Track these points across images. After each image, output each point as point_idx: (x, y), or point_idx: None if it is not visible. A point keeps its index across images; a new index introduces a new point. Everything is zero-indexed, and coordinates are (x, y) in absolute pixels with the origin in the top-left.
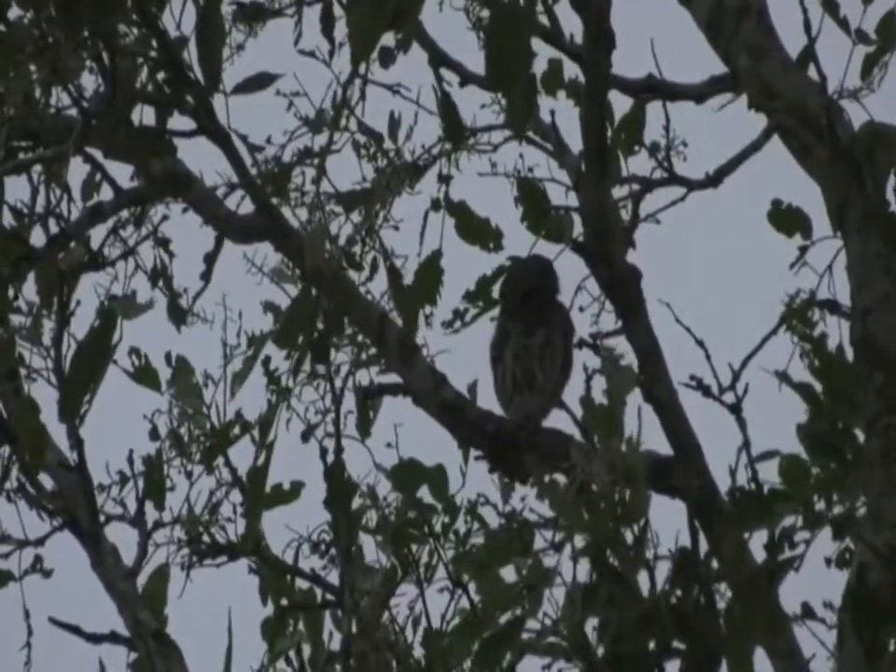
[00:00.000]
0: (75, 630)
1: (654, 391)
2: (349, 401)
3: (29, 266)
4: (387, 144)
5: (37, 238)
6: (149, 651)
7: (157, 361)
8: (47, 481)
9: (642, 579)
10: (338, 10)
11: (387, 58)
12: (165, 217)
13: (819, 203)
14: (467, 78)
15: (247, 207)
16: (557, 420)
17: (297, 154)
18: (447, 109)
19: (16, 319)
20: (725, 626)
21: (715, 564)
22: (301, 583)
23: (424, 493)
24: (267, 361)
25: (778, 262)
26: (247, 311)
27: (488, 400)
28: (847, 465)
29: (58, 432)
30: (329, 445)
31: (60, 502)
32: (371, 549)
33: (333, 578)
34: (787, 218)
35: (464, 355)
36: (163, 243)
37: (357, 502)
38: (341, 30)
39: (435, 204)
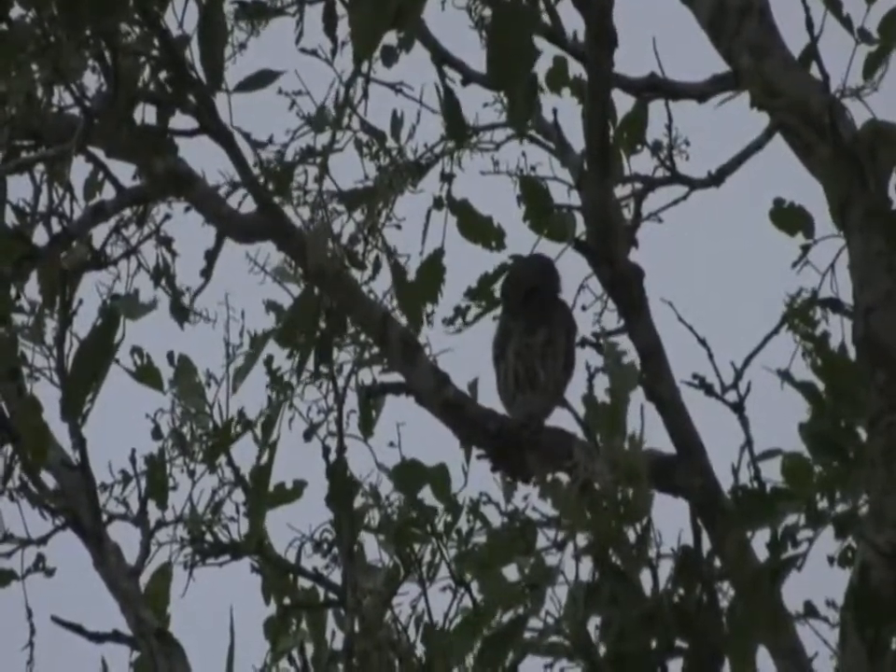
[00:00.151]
0: (77, 629)
1: (657, 390)
2: (352, 400)
3: (31, 265)
4: (390, 142)
5: (40, 237)
6: (152, 651)
7: (159, 360)
8: (49, 480)
9: (645, 578)
10: (340, 9)
11: (390, 56)
12: (168, 216)
13: (822, 201)
14: (469, 77)
15: (250, 206)
16: (560, 419)
17: (299, 153)
18: (450, 107)
19: (18, 318)
20: (728, 625)
21: (717, 562)
22: (304, 582)
23: (426, 492)
24: (269, 360)
25: (781, 261)
26: (250, 310)
27: (490, 399)
28: (849, 463)
29: (60, 431)
30: (331, 444)
31: (62, 501)
32: (373, 548)
33: (336, 577)
34: (789, 217)
35: (466, 354)
36: (166, 242)
37: (359, 501)
38: (343, 28)
39: (437, 203)
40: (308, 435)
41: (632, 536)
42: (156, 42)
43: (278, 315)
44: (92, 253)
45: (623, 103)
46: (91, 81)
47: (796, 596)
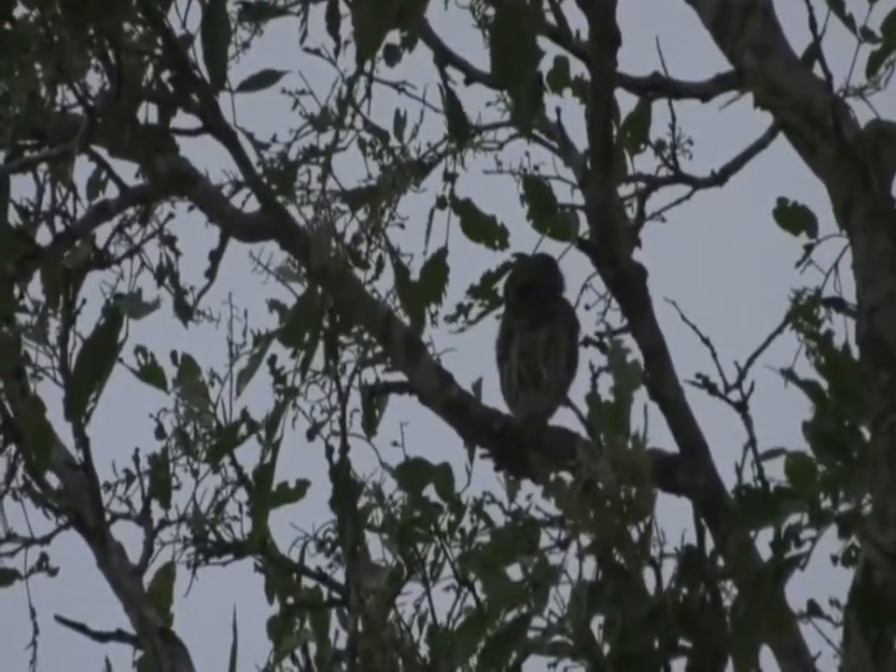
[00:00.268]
0: (81, 628)
1: (660, 389)
2: (355, 400)
3: (35, 264)
4: (393, 142)
5: (43, 236)
6: (155, 650)
7: (163, 360)
8: (53, 479)
9: (648, 577)
10: (343, 8)
11: (393, 56)
12: (171, 216)
13: (825, 201)
14: (472, 76)
15: (253, 205)
16: (563, 418)
17: (302, 152)
18: (453, 107)
19: (22, 318)
20: (731, 624)
21: (721, 562)
22: (307, 582)
23: (430, 491)
24: (273, 360)
25: (784, 260)
26: (253, 309)
27: (494, 398)
28: (852, 463)
29: (64, 431)
30: (334, 444)
31: (66, 500)
32: (376, 547)
33: (339, 576)
34: (793, 216)
35: (470, 353)
36: (169, 241)
37: (362, 501)
38: (346, 28)
39: (441, 202)
40: (311, 434)
41: (635, 535)
42: (159, 41)
43: (282, 315)
44: (96, 252)
45: (626, 102)
46: (95, 80)
47: (799, 596)
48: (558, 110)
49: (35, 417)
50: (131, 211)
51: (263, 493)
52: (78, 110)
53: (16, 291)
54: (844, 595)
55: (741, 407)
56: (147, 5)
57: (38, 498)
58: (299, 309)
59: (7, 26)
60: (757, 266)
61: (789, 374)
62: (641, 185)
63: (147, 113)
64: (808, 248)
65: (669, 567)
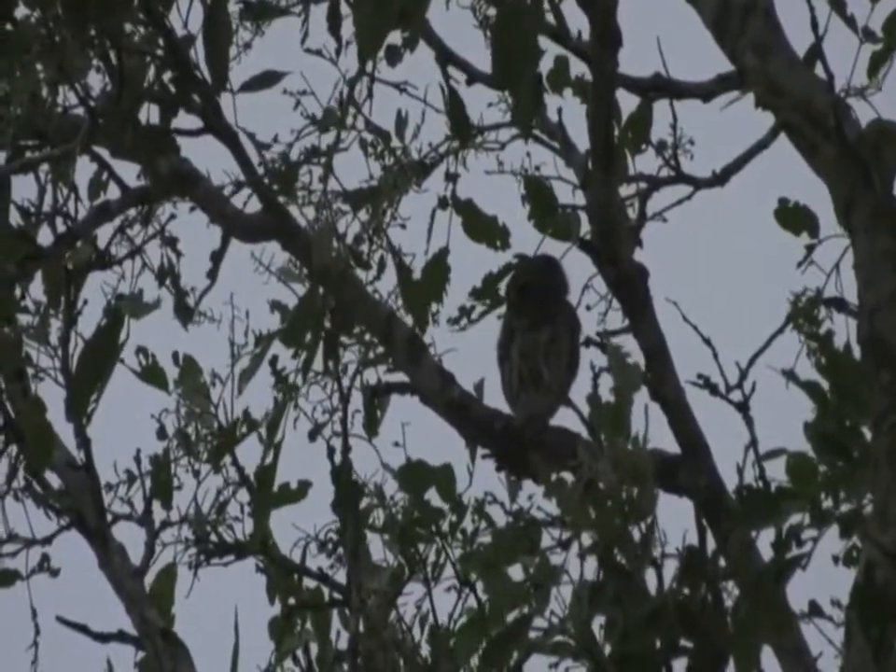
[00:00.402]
0: (82, 629)
1: (661, 389)
2: (356, 400)
3: (36, 265)
4: (394, 142)
5: (44, 237)
6: (157, 650)
7: (164, 360)
8: (54, 480)
9: (649, 577)
10: (345, 9)
11: (394, 56)
12: (172, 216)
13: (827, 201)
14: (473, 77)
15: (255, 206)
16: (564, 418)
17: (304, 153)
18: (455, 106)
19: (23, 318)
20: (732, 624)
21: (722, 562)
22: (309, 582)
23: (431, 492)
24: (274, 360)
25: (785, 260)
26: (255, 310)
27: (495, 399)
28: (854, 463)
29: (65, 431)
30: (336, 444)
31: (67, 501)
32: (378, 548)
33: (341, 577)
34: (794, 217)
35: (471, 353)
36: (170, 241)
37: (364, 501)
38: (347, 28)
39: (442, 203)
40: (313, 435)
41: (636, 535)
42: (161, 42)
43: (283, 315)
44: (97, 253)
45: (627, 102)
46: (96, 81)
47: (801, 596)
48: (559, 110)
49: (37, 418)
50: (132, 212)
51: (265, 494)
52: (80, 111)
53: (17, 292)
54: (845, 595)
55: (742, 407)
56: (149, 5)
57: (40, 499)
58: (300, 309)
59: (9, 27)
60: (758, 266)
61: (790, 375)
62: (642, 185)
63: (149, 114)
64: (810, 248)
65: (671, 568)
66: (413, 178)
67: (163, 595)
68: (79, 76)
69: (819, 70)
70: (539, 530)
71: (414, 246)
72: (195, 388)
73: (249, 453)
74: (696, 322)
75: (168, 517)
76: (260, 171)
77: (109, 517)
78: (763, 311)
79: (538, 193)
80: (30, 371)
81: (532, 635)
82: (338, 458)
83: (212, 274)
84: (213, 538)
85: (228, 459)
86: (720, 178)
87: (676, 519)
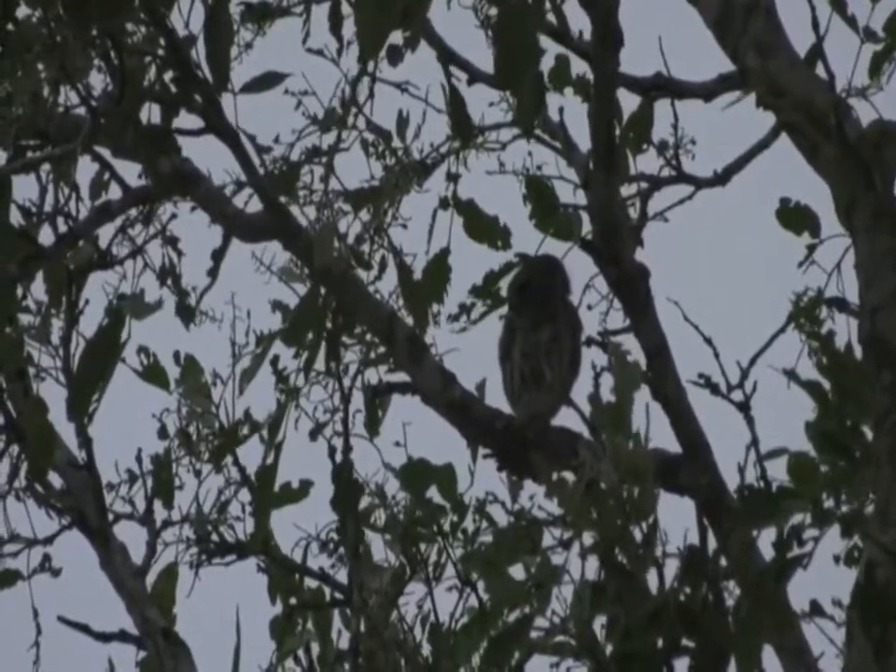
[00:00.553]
0: (83, 629)
1: (663, 389)
2: (358, 400)
3: (38, 265)
4: (396, 142)
5: (46, 237)
6: (158, 650)
7: (165, 360)
8: (55, 479)
9: (651, 577)
10: (346, 9)
11: (395, 56)
12: (174, 216)
13: (828, 201)
14: (475, 76)
15: (256, 206)
16: (566, 418)
17: (305, 153)
18: (456, 106)
19: (25, 318)
20: (734, 624)
21: (723, 561)
22: (310, 582)
23: (432, 492)
24: (275, 360)
25: (787, 260)
26: (256, 310)
27: (497, 399)
28: (855, 462)
29: (67, 431)
30: (337, 444)
31: (68, 501)
32: (379, 548)
33: (342, 576)
34: (795, 216)
35: (472, 353)
36: (172, 241)
37: (365, 501)
38: (349, 28)
39: (443, 203)
40: (314, 435)
41: (638, 535)
42: (162, 42)
43: (284, 315)
44: (98, 253)
45: (628, 102)
46: (97, 81)
47: (802, 595)
48: (561, 110)
49: (38, 418)
50: (133, 211)
51: (265, 493)
52: (81, 111)
53: (19, 292)
54: (846, 594)
55: (743, 407)
56: (150, 5)
57: (41, 499)
58: (301, 309)
59: (10, 27)
60: (759, 266)
61: (791, 374)
62: (644, 185)
63: (150, 113)
64: (811, 248)
65: (672, 567)
66: (414, 178)
67: (165, 594)
68: (81, 75)
69: (820, 70)
70: (541, 530)
71: (416, 246)
72: (196, 388)
73: (251, 452)
74: (697, 322)
75: (169, 517)
76: (262, 171)
77: (111, 517)
78: (765, 310)
79: (539, 193)
80: (31, 370)
81: (533, 634)
82: (339, 458)
83: (213, 273)
84: (214, 537)
85: (229, 459)
86: (721, 178)
87: (677, 518)
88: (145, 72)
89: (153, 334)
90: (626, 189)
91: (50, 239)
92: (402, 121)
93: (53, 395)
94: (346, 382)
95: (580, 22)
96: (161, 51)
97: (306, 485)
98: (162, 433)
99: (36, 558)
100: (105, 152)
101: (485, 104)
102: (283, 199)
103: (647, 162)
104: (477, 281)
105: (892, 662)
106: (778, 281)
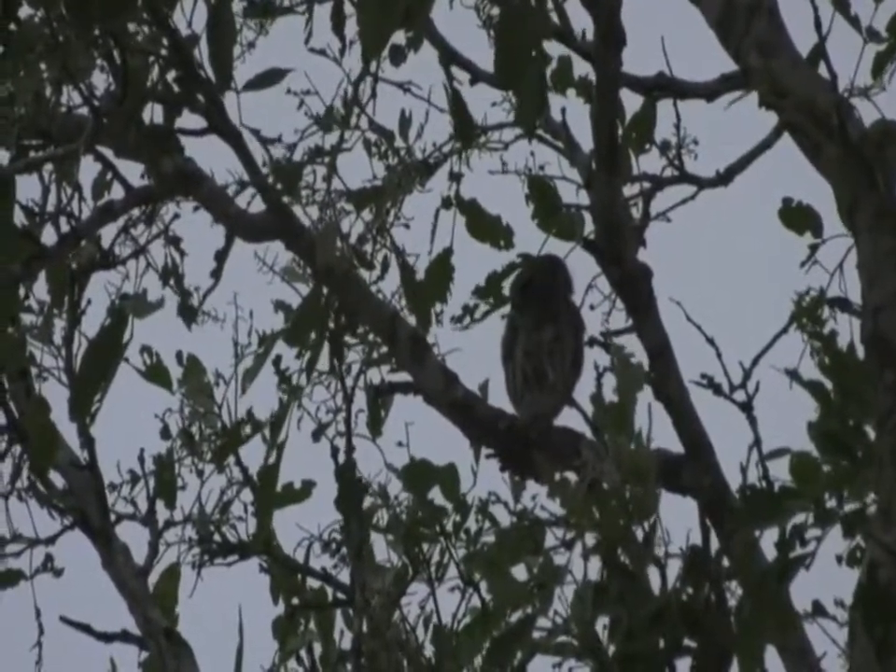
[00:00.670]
0: (86, 629)
1: (665, 389)
2: (360, 400)
3: (40, 265)
4: (398, 142)
5: (48, 237)
6: (160, 650)
7: (168, 360)
8: (58, 479)
9: (653, 577)
10: (349, 8)
11: (398, 56)
12: (176, 216)
13: (830, 201)
14: (477, 76)
15: (258, 206)
16: (568, 418)
17: (308, 152)
18: (458, 107)
19: (27, 318)
20: (736, 624)
21: (726, 562)
22: (312, 582)
23: (435, 492)
24: (278, 360)
25: (789, 260)
26: (258, 310)
27: (499, 399)
28: (857, 462)
29: (69, 431)
30: (340, 444)
31: (71, 501)
32: (381, 548)
33: (344, 577)
34: (798, 216)
35: (475, 353)
36: (174, 241)
37: (368, 501)
38: (351, 28)
39: (446, 202)
40: (317, 435)
41: (640, 535)
42: (165, 41)
43: (287, 315)
44: (101, 253)
45: (631, 102)
46: (100, 81)
47: (804, 595)
48: (563, 110)
49: (40, 418)
50: (136, 211)
51: (268, 493)
52: (84, 110)
53: (21, 291)
54: (849, 594)
55: (746, 407)
56: (153, 5)
57: (43, 499)
58: (304, 309)
59: (13, 26)
60: (762, 266)
61: (793, 374)
62: (646, 185)
63: (153, 113)
64: (813, 248)
65: (674, 567)
66: (416, 178)
67: (167, 594)
68: (83, 75)
69: (822, 70)
70: (543, 530)
71: (418, 246)
72: (199, 388)
73: (253, 453)
74: (700, 322)
75: (171, 517)
76: (264, 171)
77: (113, 517)
78: (767, 310)
79: (541, 193)
80: (34, 370)
81: (536, 635)
82: (341, 458)
83: (216, 273)
84: (216, 537)
85: (231, 459)
86: (723, 178)
87: (679, 519)
88: (147, 72)
89: (155, 334)
90: (629, 189)
91: (53, 239)
92: (405, 121)
93: (55, 395)
94: (349, 382)
95: (582, 22)
96: (163, 51)
97: (308, 486)
98: (165, 433)
99: (39, 558)
100: (108, 152)
101: (488, 104)
102: (285, 199)
103: (649, 162)
104: (480, 281)
105: (894, 662)
106: (781, 281)
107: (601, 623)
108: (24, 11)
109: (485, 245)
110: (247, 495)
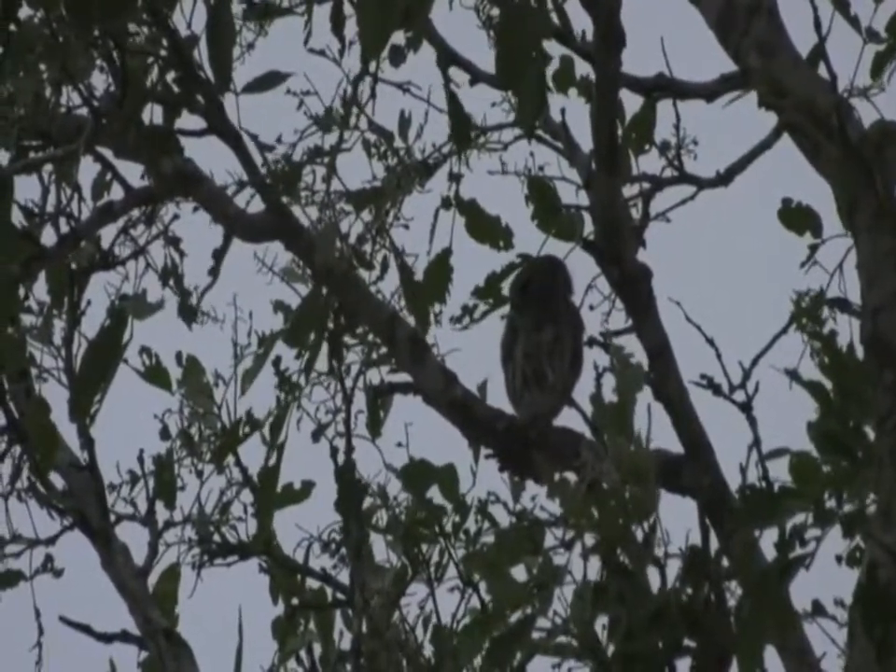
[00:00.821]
0: (85, 629)
1: (665, 389)
2: (360, 401)
3: (40, 265)
4: (398, 142)
5: (48, 237)
6: (160, 651)
7: (167, 361)
8: (57, 480)
9: (652, 577)
10: (348, 9)
11: (397, 56)
12: (176, 217)
13: (830, 201)
14: (477, 77)
15: (257, 206)
16: (568, 418)
17: (307, 153)
18: (455, 110)
19: (27, 319)
20: (736, 624)
21: (725, 562)
22: (312, 583)
23: (434, 492)
24: (277, 361)
25: (789, 261)
26: (258, 310)
27: (499, 399)
28: (857, 463)
29: (69, 431)
30: (339, 445)
31: (70, 501)
32: (381, 548)
33: (344, 577)
34: (797, 217)
35: (474, 353)
36: (174, 242)
37: (367, 502)
38: (351, 28)
39: (445, 203)
40: (316, 435)
41: (640, 535)
42: (164, 42)
43: (286, 316)
44: (101, 253)
45: (631, 102)
46: (100, 81)
47: (804, 595)
48: (563, 111)
49: (40, 418)
50: (135, 212)
51: (268, 494)
52: (83, 111)
53: (21, 292)
54: (848, 594)
55: (746, 407)
56: (153, 6)
57: (43, 499)
58: (303, 310)
59: (13, 27)
60: (762, 266)
61: (793, 375)
62: (646, 185)
63: (152, 114)
64: (813, 249)
65: (674, 567)
66: (416, 179)
67: (167, 595)
68: (83, 76)
69: (822, 70)
70: (543, 530)
71: (417, 247)
72: (198, 389)
73: (252, 453)
74: (699, 322)
75: (171, 517)
76: (264, 171)
77: (112, 517)
78: (767, 311)
79: (541, 193)
80: (33, 371)
81: (535, 635)
82: (341, 459)
83: (214, 272)
84: (216, 538)
85: (231, 460)
86: (723, 178)
87: (679, 519)
88: (147, 72)
89: (155, 335)
90: (628, 190)
91: (52, 239)
92: (404, 122)
93: (55, 395)
94: (348, 382)
95: (582, 22)
96: (163, 52)
97: (308, 486)
98: (164, 434)
99: (38, 559)
100: (108, 153)
101: (487, 104)
102: (285, 199)
103: (649, 163)
104: (479, 281)
105: (895, 662)
106: (780, 281)
107: (601, 623)
108: (24, 11)
109: (485, 245)
110: (247, 495)
